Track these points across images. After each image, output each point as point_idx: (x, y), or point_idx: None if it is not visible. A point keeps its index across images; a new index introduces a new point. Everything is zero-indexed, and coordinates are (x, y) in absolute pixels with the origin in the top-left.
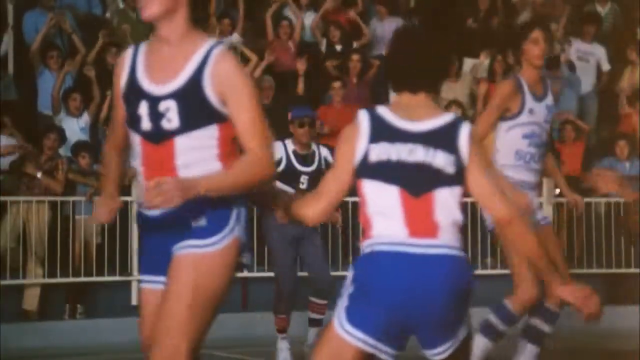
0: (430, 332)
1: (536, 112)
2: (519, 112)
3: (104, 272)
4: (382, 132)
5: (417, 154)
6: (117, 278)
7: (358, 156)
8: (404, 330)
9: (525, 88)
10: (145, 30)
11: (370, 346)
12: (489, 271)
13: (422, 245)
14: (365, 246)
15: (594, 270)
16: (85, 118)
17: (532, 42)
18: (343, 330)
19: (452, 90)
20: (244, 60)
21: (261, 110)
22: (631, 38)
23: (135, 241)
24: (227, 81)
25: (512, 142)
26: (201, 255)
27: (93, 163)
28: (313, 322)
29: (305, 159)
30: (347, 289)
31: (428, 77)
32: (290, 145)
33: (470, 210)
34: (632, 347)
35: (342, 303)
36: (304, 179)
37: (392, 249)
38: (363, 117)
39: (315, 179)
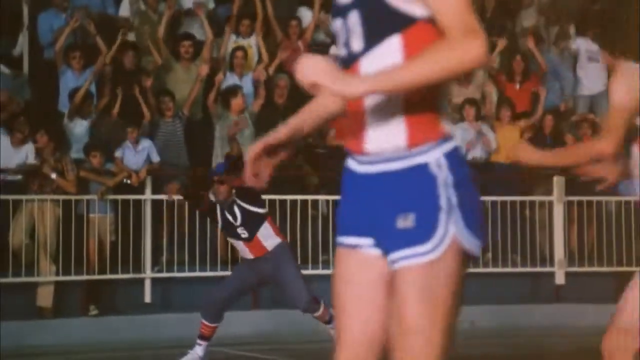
0: None
1: None
2: None
3: (118, 270)
4: None
5: None
6: (130, 276)
7: None
8: None
9: None
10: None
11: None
12: (491, 269)
13: None
14: None
15: (605, 269)
16: (92, 118)
17: None
18: None
19: (464, 93)
20: (260, 60)
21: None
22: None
23: (148, 239)
24: None
25: None
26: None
27: (104, 162)
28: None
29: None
30: None
31: None
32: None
33: None
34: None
35: None
36: (241, 230)
37: None
38: None
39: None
